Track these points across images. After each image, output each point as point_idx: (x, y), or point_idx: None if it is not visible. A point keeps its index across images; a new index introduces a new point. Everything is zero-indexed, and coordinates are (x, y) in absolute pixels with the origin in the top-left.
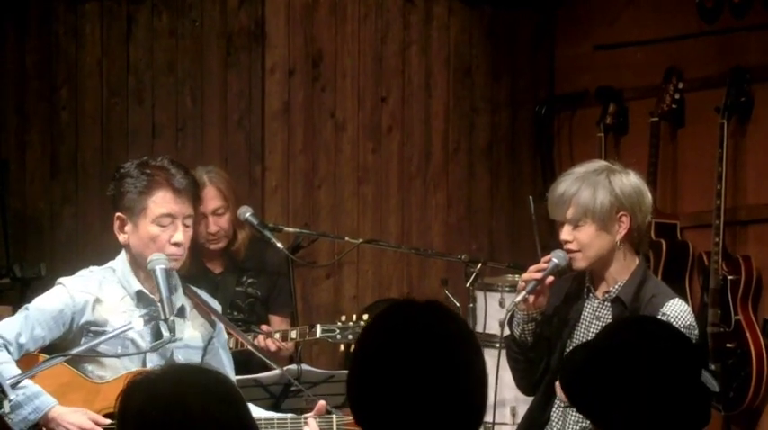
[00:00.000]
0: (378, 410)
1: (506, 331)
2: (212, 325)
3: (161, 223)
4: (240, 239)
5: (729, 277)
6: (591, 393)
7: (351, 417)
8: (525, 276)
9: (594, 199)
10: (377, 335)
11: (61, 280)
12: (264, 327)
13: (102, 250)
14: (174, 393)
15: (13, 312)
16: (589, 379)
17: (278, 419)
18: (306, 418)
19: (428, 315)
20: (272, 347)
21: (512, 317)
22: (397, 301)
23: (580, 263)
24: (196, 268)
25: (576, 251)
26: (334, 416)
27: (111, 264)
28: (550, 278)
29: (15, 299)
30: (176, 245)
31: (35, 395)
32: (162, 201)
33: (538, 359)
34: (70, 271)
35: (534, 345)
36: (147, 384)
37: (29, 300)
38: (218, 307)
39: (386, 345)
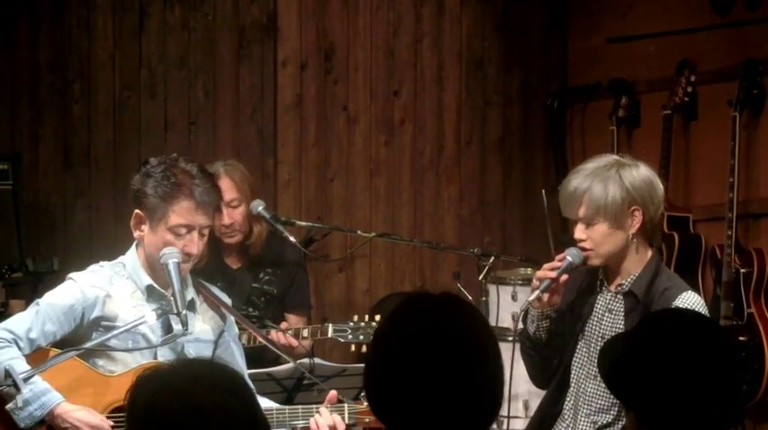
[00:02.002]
0: (395, 402)
1: (520, 325)
2: (223, 318)
3: (177, 232)
4: (256, 233)
5: (742, 270)
6: (630, 382)
7: (362, 406)
8: (539, 274)
9: (606, 196)
10: (393, 327)
11: (71, 275)
12: (283, 325)
13: (115, 243)
14: (183, 386)
15: (27, 306)
16: (628, 368)
17: (289, 409)
18: (317, 408)
19: (443, 307)
20: (283, 340)
21: (526, 314)
22: (413, 294)
23: (595, 260)
24: (214, 263)
25: (590, 250)
26: (345, 404)
27: (121, 259)
28: (564, 276)
29: (28, 293)
30: (188, 255)
31: (42, 392)
32: (182, 212)
33: (552, 354)
34: (83, 264)
35: (549, 341)
36: (157, 377)
37: (41, 294)
38: (227, 300)
39: (402, 338)
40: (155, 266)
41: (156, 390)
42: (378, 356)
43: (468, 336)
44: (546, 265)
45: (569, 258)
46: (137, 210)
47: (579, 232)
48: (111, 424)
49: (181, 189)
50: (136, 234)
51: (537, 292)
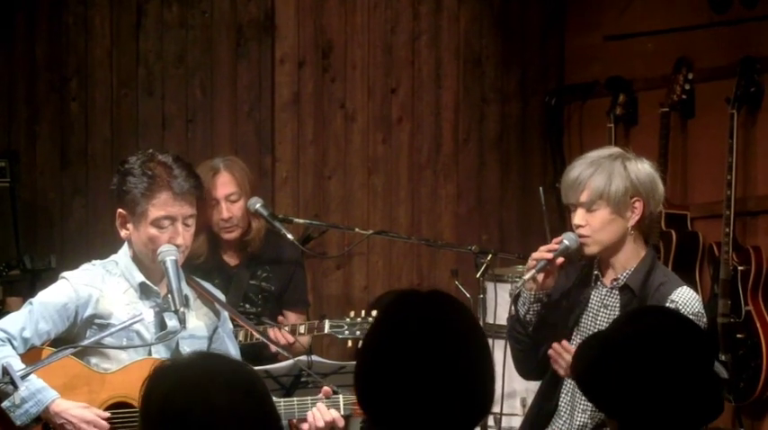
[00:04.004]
0: (385, 401)
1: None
2: (216, 314)
3: (160, 225)
4: (255, 229)
5: (740, 268)
6: (605, 385)
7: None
8: (536, 255)
9: (610, 182)
10: (382, 326)
11: (64, 274)
12: (280, 319)
13: (112, 241)
14: (198, 382)
15: (24, 304)
16: (603, 371)
17: (285, 402)
18: (313, 400)
19: (432, 304)
20: (282, 340)
21: (517, 297)
22: (402, 292)
23: (591, 248)
24: (212, 261)
25: (588, 236)
26: (341, 396)
27: (113, 257)
28: (560, 259)
29: (26, 290)
30: (176, 247)
31: (38, 389)
32: (161, 205)
33: (540, 342)
34: (80, 262)
35: (538, 327)
36: (174, 371)
37: (38, 292)
38: (221, 297)
39: (390, 336)
40: (146, 263)
41: (171, 385)
42: (367, 353)
43: (456, 332)
44: (542, 247)
45: (566, 241)
46: (119, 210)
47: (579, 218)
48: (107, 415)
49: (157, 182)
50: (122, 233)
51: (532, 272)
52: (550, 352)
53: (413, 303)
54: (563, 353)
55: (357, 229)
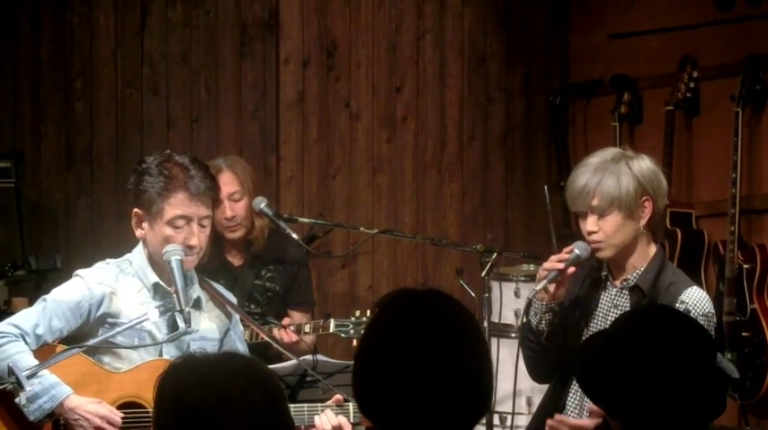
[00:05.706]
0: (382, 401)
1: (522, 319)
2: (228, 317)
3: (176, 225)
4: (258, 227)
5: (745, 266)
6: (605, 383)
7: None
8: (546, 265)
9: (620, 187)
10: (377, 326)
11: (79, 272)
12: (285, 321)
13: (117, 241)
14: (213, 375)
15: (29, 304)
16: (604, 369)
17: (295, 408)
18: (322, 407)
19: (427, 303)
20: (286, 339)
21: (529, 305)
22: (396, 292)
23: (606, 252)
24: (216, 261)
25: (602, 241)
26: (350, 403)
27: (127, 256)
28: (571, 268)
29: (31, 290)
30: (190, 247)
31: (51, 385)
32: (177, 204)
33: (553, 348)
34: (86, 262)
35: (550, 335)
36: (188, 365)
37: (44, 292)
38: (233, 299)
39: (385, 336)
40: (160, 264)
41: (185, 378)
42: (364, 355)
43: (451, 331)
44: (553, 257)
45: (577, 251)
46: (135, 209)
47: (591, 224)
48: (121, 415)
49: (174, 182)
50: (138, 233)
51: (544, 283)
52: (548, 425)
53: (408, 302)
54: (561, 427)
55: (362, 229)
